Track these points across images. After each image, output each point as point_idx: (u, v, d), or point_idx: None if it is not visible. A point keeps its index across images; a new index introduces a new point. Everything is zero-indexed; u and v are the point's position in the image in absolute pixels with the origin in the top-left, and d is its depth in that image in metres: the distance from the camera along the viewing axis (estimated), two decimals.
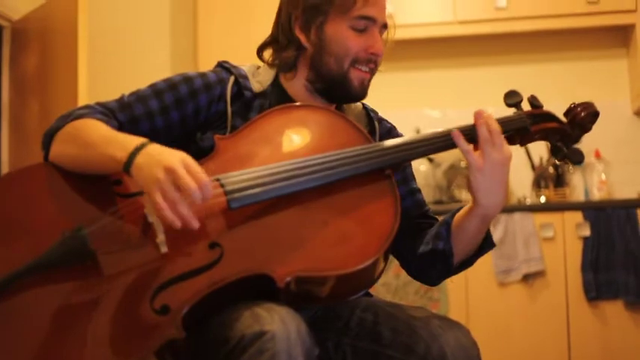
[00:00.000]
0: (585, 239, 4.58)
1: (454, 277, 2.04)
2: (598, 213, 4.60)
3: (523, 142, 2.02)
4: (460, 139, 1.84)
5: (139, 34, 5.07)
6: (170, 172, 1.54)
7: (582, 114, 2.02)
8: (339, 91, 1.99)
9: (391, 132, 2.12)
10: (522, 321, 4.60)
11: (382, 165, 1.84)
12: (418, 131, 5.08)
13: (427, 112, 5.45)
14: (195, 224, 1.58)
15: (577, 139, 2.06)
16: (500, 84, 5.47)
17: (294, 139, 1.88)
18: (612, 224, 4.57)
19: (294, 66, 2.02)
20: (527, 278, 4.62)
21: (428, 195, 4.99)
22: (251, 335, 1.49)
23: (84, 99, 4.25)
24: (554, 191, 5.10)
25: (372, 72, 2.01)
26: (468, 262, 2.00)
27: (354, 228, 1.75)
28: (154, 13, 5.08)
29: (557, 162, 1.84)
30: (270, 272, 1.59)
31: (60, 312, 1.54)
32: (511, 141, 1.99)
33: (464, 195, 4.96)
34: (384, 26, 2.00)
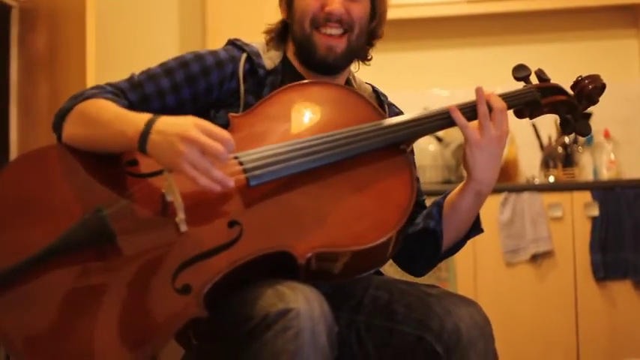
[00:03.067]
0: (594, 219, 4.57)
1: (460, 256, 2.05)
2: (607, 193, 4.59)
3: (532, 116, 2.04)
4: (457, 113, 1.88)
5: (147, 14, 5.06)
6: (191, 141, 1.54)
7: (590, 86, 2.03)
8: (308, 57, 2.01)
9: None
10: (530, 301, 4.60)
11: (397, 140, 1.86)
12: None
13: (436, 91, 5.44)
14: (231, 183, 1.58)
15: (583, 112, 2.07)
16: (508, 63, 5.41)
17: (309, 116, 1.90)
18: (621, 204, 4.56)
19: (288, 40, 2.06)
20: (535, 258, 4.62)
21: (436, 175, 4.99)
22: (275, 313, 1.50)
23: (93, 79, 4.25)
24: (562, 171, 5.09)
25: (342, 37, 2.00)
26: (455, 248, 2.04)
27: (371, 203, 1.77)
28: None
29: (565, 135, 1.88)
30: (291, 249, 1.61)
31: (80, 293, 1.54)
32: (520, 114, 2.03)
33: None
34: None
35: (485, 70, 5.38)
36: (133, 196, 1.66)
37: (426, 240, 1.98)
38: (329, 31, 1.97)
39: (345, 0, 1.98)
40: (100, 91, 1.82)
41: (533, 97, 2.01)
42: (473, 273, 4.65)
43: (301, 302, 1.52)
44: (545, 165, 5.13)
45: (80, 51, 4.31)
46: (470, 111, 1.90)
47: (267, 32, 2.09)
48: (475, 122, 1.89)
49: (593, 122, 5.08)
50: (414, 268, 2.07)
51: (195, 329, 1.59)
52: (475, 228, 2.03)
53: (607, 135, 5.21)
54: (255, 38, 2.06)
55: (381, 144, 1.84)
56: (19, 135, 4.81)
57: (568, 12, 5.34)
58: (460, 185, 1.97)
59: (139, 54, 4.83)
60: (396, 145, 1.87)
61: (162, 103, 1.87)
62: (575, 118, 2.05)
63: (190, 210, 1.61)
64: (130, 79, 1.90)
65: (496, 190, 4.64)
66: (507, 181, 5.04)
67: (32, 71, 4.76)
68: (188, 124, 1.57)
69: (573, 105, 2.05)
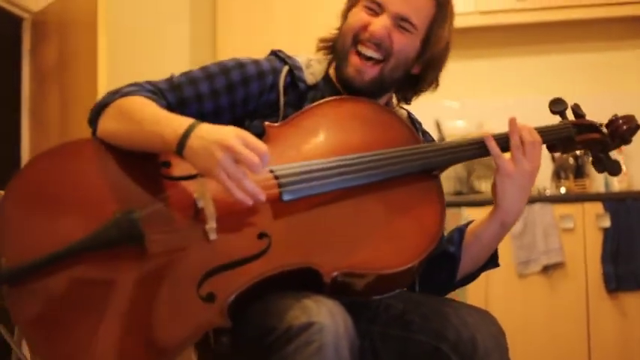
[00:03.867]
0: (605, 230, 4.56)
1: None
2: (618, 204, 4.58)
3: (565, 151, 2.07)
4: (492, 143, 1.89)
5: (158, 25, 5.08)
6: (229, 149, 1.53)
7: (624, 127, 2.05)
8: (340, 73, 1.96)
9: None
10: (542, 312, 4.59)
11: (432, 165, 1.88)
12: (437, 123, 5.06)
13: (446, 103, 5.43)
14: (263, 197, 1.57)
15: (614, 149, 2.07)
16: (520, 75, 5.45)
17: (346, 133, 1.89)
18: (633, 215, 4.54)
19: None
20: (546, 269, 4.60)
21: (448, 186, 4.98)
22: (299, 326, 1.49)
23: (104, 89, 4.26)
24: (574, 182, 5.07)
25: (375, 62, 1.94)
26: (469, 278, 2.06)
27: (401, 228, 1.77)
28: (174, 3, 5.09)
29: (597, 171, 1.92)
30: (317, 267, 1.61)
31: (103, 292, 1.54)
32: (553, 149, 2.04)
33: (483, 186, 4.94)
34: (401, 19, 1.93)
35: (497, 82, 5.37)
36: (165, 199, 1.66)
37: (443, 264, 1.99)
38: (365, 51, 1.92)
39: (392, 27, 1.92)
40: (140, 89, 1.80)
41: (569, 134, 2.01)
42: (484, 284, 4.64)
43: (325, 316, 1.51)
44: (557, 176, 5.12)
45: (91, 61, 4.32)
46: (504, 141, 1.91)
47: (322, 41, 2.05)
48: (508, 153, 1.91)
49: None
50: (430, 291, 2.05)
51: (216, 338, 1.58)
52: (492, 261, 2.06)
53: None
54: (264, 52, 2.04)
55: (417, 169, 1.85)
56: (31, 143, 4.83)
57: (580, 23, 5.33)
58: (486, 215, 1.98)
59: (149, 64, 4.84)
60: (429, 170, 1.88)
61: (200, 107, 1.85)
62: (607, 157, 2.06)
63: (221, 218, 1.61)
64: (170, 80, 1.87)
65: None
66: None
67: (43, 81, 4.78)
68: (228, 133, 1.56)
69: (606, 143, 2.06)
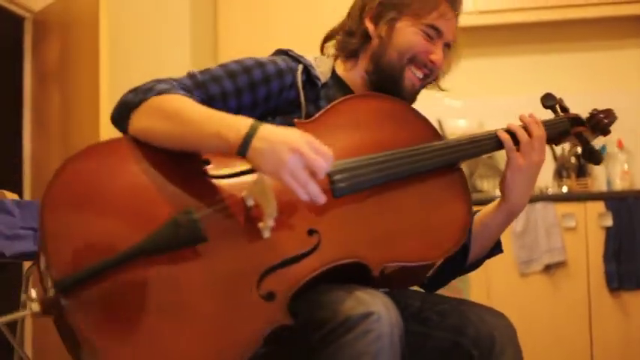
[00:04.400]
0: (607, 229, 4.56)
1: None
2: (620, 203, 4.58)
3: (558, 143, 2.16)
4: (507, 137, 1.98)
5: (159, 24, 5.08)
6: (298, 152, 1.55)
7: (605, 120, 2.15)
8: (391, 87, 2.02)
9: None
10: (544, 311, 4.59)
11: (457, 159, 1.97)
12: (440, 122, 5.07)
13: (448, 102, 5.43)
14: (323, 200, 1.60)
15: (593, 140, 2.19)
16: (520, 73, 5.45)
17: (376, 129, 1.94)
18: (634, 214, 4.54)
19: (356, 55, 2.06)
20: (548, 268, 4.60)
21: None
22: (357, 316, 1.54)
23: (105, 90, 4.26)
24: (576, 181, 5.07)
25: (424, 81, 2.07)
26: (475, 265, 2.13)
27: (437, 218, 1.86)
28: (175, 3, 5.09)
29: (589, 163, 2.08)
30: (366, 260, 1.68)
31: (164, 296, 1.51)
32: (548, 142, 2.08)
33: (485, 185, 4.95)
34: (448, 45, 2.07)
35: (498, 81, 5.37)
36: (215, 199, 1.65)
37: (455, 254, 2.00)
38: (419, 73, 2.03)
39: (443, 51, 2.06)
40: (171, 87, 1.76)
41: (566, 127, 2.11)
42: (486, 283, 4.64)
43: (381, 307, 1.56)
44: (559, 175, 5.12)
45: (93, 61, 4.33)
46: (513, 135, 1.99)
47: (347, 45, 2.08)
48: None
49: None
50: (435, 281, 2.11)
51: (276, 336, 1.58)
52: (497, 247, 2.14)
53: (620, 145, 5.19)
54: (265, 51, 2.05)
55: (446, 162, 1.93)
56: (32, 142, 4.83)
57: (580, 22, 5.33)
58: (492, 205, 2.07)
59: (150, 63, 4.84)
60: (453, 163, 1.96)
61: (225, 105, 1.84)
62: (593, 148, 2.15)
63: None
64: (192, 78, 1.85)
65: None
66: None
67: (45, 81, 4.79)
68: (295, 135, 1.58)
69: (589, 135, 2.16)
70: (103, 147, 1.71)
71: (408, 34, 2.00)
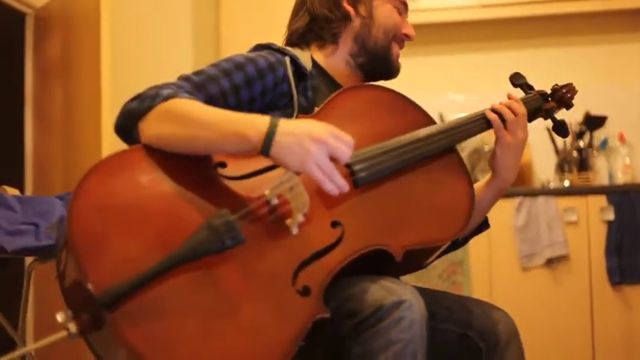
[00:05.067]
0: (609, 223, 4.56)
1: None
2: (622, 197, 4.58)
3: (530, 120, 2.18)
4: (495, 117, 2.06)
5: (161, 20, 5.08)
6: (322, 142, 1.56)
7: (568, 95, 2.24)
8: (381, 65, 2.11)
9: None
10: (546, 305, 4.60)
11: (456, 141, 2.03)
12: (441, 116, 5.07)
13: (450, 96, 5.43)
14: (347, 188, 1.63)
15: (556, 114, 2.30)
16: (523, 68, 5.41)
17: (377, 119, 1.98)
18: (636, 208, 4.55)
19: (336, 40, 2.09)
20: (550, 262, 4.61)
21: None
22: (390, 304, 1.58)
23: (107, 86, 4.26)
24: (577, 175, 5.07)
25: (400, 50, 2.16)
26: (463, 241, 2.16)
27: (445, 200, 1.92)
28: (177, 0, 5.09)
29: (560, 137, 2.20)
30: (388, 247, 1.72)
31: (206, 301, 1.51)
32: None
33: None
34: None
35: (500, 75, 5.34)
36: (240, 200, 1.65)
37: None
38: (398, 47, 2.13)
39: None
40: (176, 91, 1.74)
41: (539, 104, 2.19)
42: (488, 277, 4.65)
43: (410, 295, 1.60)
44: (560, 169, 5.12)
45: (94, 58, 4.32)
46: (499, 114, 2.07)
47: (296, 32, 2.12)
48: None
49: (608, 126, 5.09)
50: None
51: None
52: (485, 223, 2.19)
53: (622, 139, 5.19)
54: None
55: (446, 145, 1.99)
56: (34, 139, 4.83)
57: (581, 16, 5.33)
58: (482, 183, 2.13)
59: (152, 59, 4.84)
60: (451, 146, 2.02)
61: (225, 103, 1.83)
62: (562, 121, 2.25)
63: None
64: (188, 80, 1.83)
65: (511, 195, 4.64)
66: (522, 185, 5.04)
67: (47, 77, 4.79)
68: (317, 126, 1.60)
69: (554, 110, 2.25)
70: (121, 157, 1.66)
71: (387, 12, 2.09)
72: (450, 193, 1.94)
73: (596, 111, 4.99)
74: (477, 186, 2.10)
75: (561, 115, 2.24)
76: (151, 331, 1.45)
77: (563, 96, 2.22)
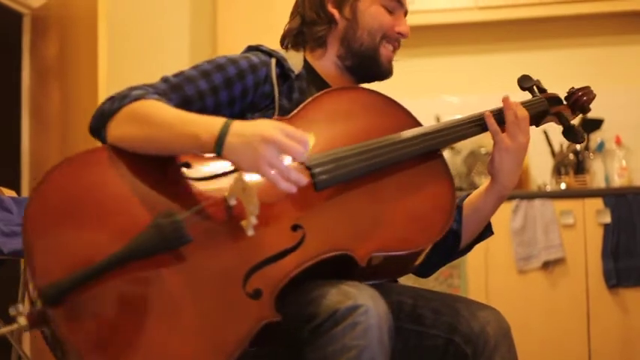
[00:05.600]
0: (606, 226, 4.56)
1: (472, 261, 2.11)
2: (619, 199, 4.58)
3: (538, 124, 2.15)
4: (491, 119, 1.99)
5: (158, 21, 5.08)
6: (272, 142, 1.55)
7: (584, 98, 2.16)
8: (369, 67, 2.07)
9: None
10: (542, 308, 4.59)
11: (439, 145, 1.97)
12: (438, 118, 5.07)
13: (446, 98, 5.43)
14: (305, 181, 1.60)
15: (573, 119, 2.21)
16: (520, 70, 5.40)
17: (355, 121, 1.94)
18: (633, 211, 4.54)
19: (324, 43, 2.07)
20: (547, 265, 4.61)
21: None
22: (344, 309, 1.53)
23: (104, 86, 4.26)
24: (574, 178, 5.07)
25: (395, 52, 2.10)
26: (467, 249, 2.14)
27: (421, 206, 1.85)
28: (174, 0, 5.09)
29: (570, 142, 2.14)
30: (352, 252, 1.67)
31: (151, 300, 1.52)
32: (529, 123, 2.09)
33: (484, 181, 4.94)
34: (405, 13, 2.11)
35: (496, 77, 5.36)
36: (197, 201, 1.65)
37: (443, 240, 2.02)
38: (391, 47, 2.08)
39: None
40: (145, 92, 1.77)
41: (545, 107, 2.12)
42: (484, 280, 4.65)
43: (368, 299, 1.56)
44: (557, 172, 5.12)
45: (91, 58, 4.32)
46: (498, 117, 2.01)
47: (289, 34, 2.12)
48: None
49: (605, 129, 5.09)
50: (424, 268, 2.09)
51: (266, 333, 1.58)
52: (488, 229, 2.14)
53: (618, 141, 5.19)
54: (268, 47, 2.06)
55: (427, 149, 1.93)
56: (31, 139, 4.83)
57: (578, 18, 5.33)
58: (482, 189, 2.08)
59: (149, 59, 4.84)
60: (435, 150, 1.96)
61: (202, 105, 1.85)
62: (574, 127, 2.17)
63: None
64: (167, 82, 1.86)
65: (508, 198, 4.62)
66: (519, 188, 5.03)
67: (43, 78, 4.78)
68: (268, 125, 1.58)
69: (568, 114, 2.17)
70: (82, 157, 1.70)
71: (373, 13, 2.05)
72: (428, 199, 1.87)
73: (592, 114, 4.96)
74: (476, 192, 2.09)
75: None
76: (91, 328, 1.47)
77: (578, 99, 2.15)
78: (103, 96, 4.25)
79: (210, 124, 1.62)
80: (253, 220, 1.60)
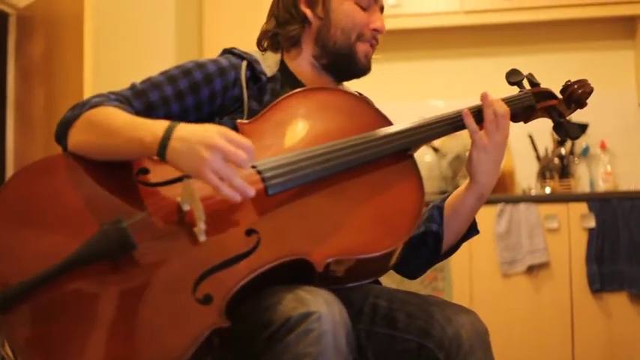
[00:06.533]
0: (590, 230, 4.57)
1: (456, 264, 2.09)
2: (603, 204, 4.59)
3: (527, 120, 2.12)
4: (469, 118, 1.97)
5: (144, 22, 5.06)
6: (215, 148, 1.53)
7: (579, 91, 2.10)
8: (345, 65, 2.05)
9: None
10: (526, 312, 4.60)
11: (408, 145, 1.92)
12: None
13: (432, 102, 5.44)
14: (252, 192, 1.57)
15: (570, 114, 2.16)
16: (504, 74, 5.45)
17: (320, 123, 1.91)
18: (617, 216, 4.56)
19: (299, 43, 2.07)
20: (531, 269, 4.61)
21: (432, 186, 4.99)
22: (297, 316, 1.51)
23: (89, 87, 4.25)
24: (559, 182, 5.09)
25: (374, 48, 2.07)
26: (451, 250, 2.10)
27: (386, 209, 1.80)
28: (160, 1, 5.08)
29: (560, 137, 2.07)
30: (309, 257, 1.63)
31: (98, 306, 1.51)
32: (515, 119, 2.09)
33: None
34: (381, 9, 2.08)
35: (482, 81, 5.36)
36: (149, 206, 1.64)
37: (425, 243, 2.02)
38: (368, 45, 2.05)
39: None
40: (105, 99, 1.79)
41: (530, 102, 2.09)
42: (469, 283, 4.65)
43: (322, 306, 1.53)
44: (542, 176, 5.14)
45: (77, 58, 4.31)
46: (476, 115, 1.98)
47: (265, 35, 2.11)
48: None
49: (590, 133, 5.11)
50: (410, 270, 2.09)
51: (219, 338, 1.57)
52: (473, 229, 2.11)
53: (603, 146, 5.21)
54: (252, 49, 2.06)
55: (393, 150, 1.89)
56: (16, 141, 4.81)
57: (564, 23, 5.35)
58: (461, 189, 2.04)
59: (135, 61, 4.83)
60: (405, 150, 1.92)
61: (167, 110, 1.86)
62: (567, 122, 2.12)
63: (207, 218, 1.60)
64: (133, 88, 1.87)
65: (492, 201, 4.64)
66: (504, 192, 5.05)
67: (29, 78, 4.76)
68: (211, 131, 1.57)
69: (563, 109, 2.12)
70: (38, 165, 1.71)
71: (346, 13, 2.02)
72: (394, 201, 1.82)
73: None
74: (456, 192, 2.05)
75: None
76: (38, 335, 1.47)
77: (573, 92, 2.09)
78: (88, 96, 4.24)
79: (155, 127, 1.61)
80: (202, 226, 1.59)
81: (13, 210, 1.61)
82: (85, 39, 4.29)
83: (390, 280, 2.00)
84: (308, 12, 2.04)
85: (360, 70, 2.06)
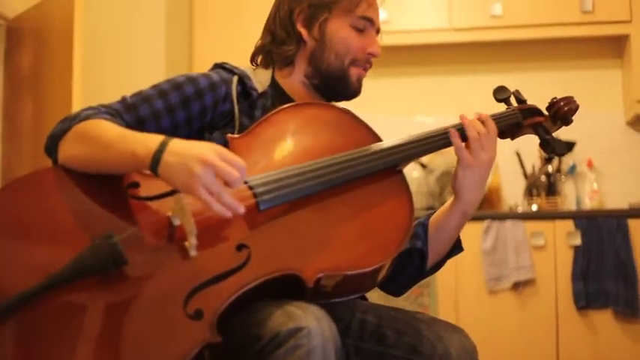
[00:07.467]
0: (576, 248, 4.59)
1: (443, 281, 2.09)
2: (589, 222, 4.61)
3: (514, 136, 2.12)
4: (456, 137, 1.96)
5: (134, 33, 5.07)
6: (208, 164, 1.53)
7: (565, 108, 2.11)
8: (337, 87, 2.05)
9: None
10: (512, 329, 4.61)
11: (398, 161, 1.92)
12: None
13: (421, 118, 5.45)
14: (242, 210, 1.58)
15: (555, 131, 2.16)
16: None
17: (310, 138, 1.91)
18: (603, 234, 4.57)
19: (292, 62, 2.06)
20: (517, 286, 4.62)
21: (420, 201, 4.99)
22: (286, 332, 1.51)
23: (78, 99, 4.24)
24: (545, 200, 5.10)
25: (367, 71, 2.08)
26: (436, 267, 2.09)
27: (374, 225, 1.80)
28: (150, 13, 5.08)
29: (546, 154, 2.06)
30: (299, 272, 1.62)
31: (91, 321, 1.50)
32: (502, 135, 2.09)
33: None
34: (378, 31, 2.08)
35: (471, 98, 5.39)
36: (139, 221, 1.63)
37: (410, 260, 2.02)
38: (361, 69, 2.05)
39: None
40: (96, 112, 1.78)
41: (517, 119, 2.09)
42: (454, 300, 4.66)
43: (312, 321, 1.53)
44: (529, 193, 5.15)
45: (66, 69, 4.30)
46: (463, 133, 1.97)
47: (260, 51, 2.10)
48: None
49: (577, 151, 5.13)
50: (394, 287, 2.09)
51: (210, 353, 1.56)
52: (457, 246, 2.10)
53: (590, 165, 5.23)
54: (242, 60, 2.06)
55: (382, 166, 1.89)
56: (4, 151, 4.79)
57: (553, 42, 5.38)
58: (446, 206, 2.04)
59: (124, 73, 4.83)
60: (394, 166, 1.92)
61: (158, 125, 1.86)
62: (553, 138, 2.12)
63: (198, 233, 1.59)
64: (123, 101, 1.87)
65: (479, 218, 4.65)
66: (491, 208, 5.06)
67: (17, 88, 4.75)
68: (205, 147, 1.57)
69: (549, 125, 2.13)
70: (28, 178, 1.70)
71: (342, 37, 2.02)
72: (383, 217, 1.82)
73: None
74: (441, 209, 2.05)
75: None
76: (26, 352, 1.45)
77: (559, 109, 2.10)
78: (77, 108, 4.22)
79: (148, 141, 1.61)
80: (193, 241, 1.59)
81: (2, 223, 1.59)
82: (75, 50, 4.29)
83: (377, 295, 2.00)
84: (304, 32, 2.03)
85: (351, 93, 2.06)
